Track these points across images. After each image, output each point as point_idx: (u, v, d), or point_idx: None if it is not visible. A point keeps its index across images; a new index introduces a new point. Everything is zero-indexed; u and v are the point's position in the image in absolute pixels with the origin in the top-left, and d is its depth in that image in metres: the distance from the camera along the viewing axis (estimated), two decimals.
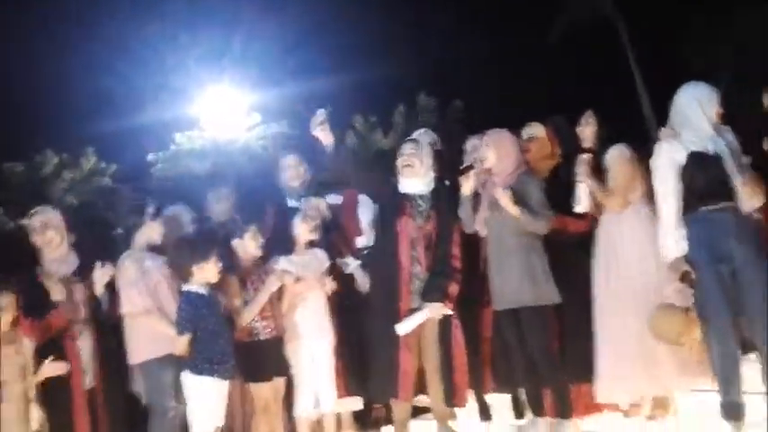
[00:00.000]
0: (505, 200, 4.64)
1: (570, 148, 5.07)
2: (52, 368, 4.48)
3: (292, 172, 5.39)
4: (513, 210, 4.63)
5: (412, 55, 15.96)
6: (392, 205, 4.94)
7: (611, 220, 4.79)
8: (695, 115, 4.43)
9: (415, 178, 4.95)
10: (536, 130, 5.10)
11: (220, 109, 16.65)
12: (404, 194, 4.96)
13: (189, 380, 4.32)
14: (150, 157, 16.42)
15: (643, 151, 4.86)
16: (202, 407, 4.30)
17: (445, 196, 5.01)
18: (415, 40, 16.42)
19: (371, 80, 14.79)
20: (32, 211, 4.96)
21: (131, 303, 4.73)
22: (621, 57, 16.73)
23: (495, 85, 15.28)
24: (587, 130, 4.97)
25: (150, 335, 4.71)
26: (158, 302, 4.72)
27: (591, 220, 4.90)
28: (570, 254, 4.84)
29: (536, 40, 16.13)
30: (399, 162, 4.97)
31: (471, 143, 5.39)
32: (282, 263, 4.85)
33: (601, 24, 16.79)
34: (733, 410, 4.30)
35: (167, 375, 4.60)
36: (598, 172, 4.80)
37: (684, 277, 4.33)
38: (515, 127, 5.12)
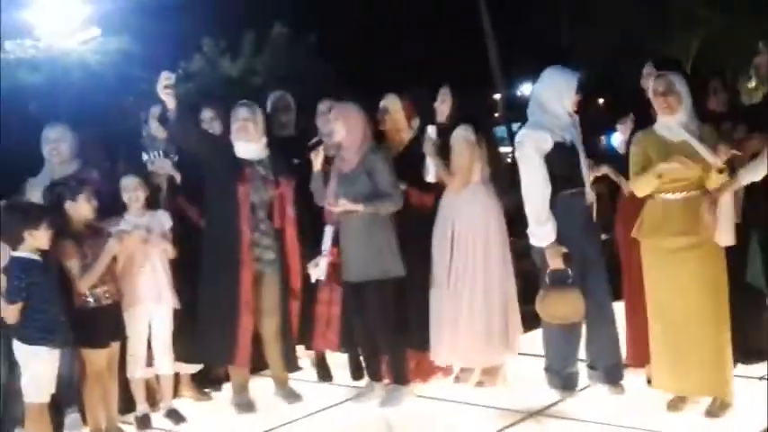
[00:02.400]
0: (347, 206, 4.67)
1: (428, 121, 5.14)
2: None
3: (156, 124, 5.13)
4: (359, 208, 4.67)
5: None
6: (230, 170, 4.86)
7: (451, 198, 4.93)
8: (554, 104, 4.60)
9: (252, 143, 4.90)
10: (390, 102, 5.11)
11: (56, 18, 15.56)
12: (242, 160, 4.89)
13: (21, 350, 4.15)
14: None
15: (487, 133, 5.04)
16: (37, 376, 4.15)
17: (284, 162, 5.03)
18: None
19: (225, 1, 14.17)
20: None
21: None
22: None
23: (357, 25, 15.02)
24: (443, 106, 5.01)
25: None
26: None
27: (436, 192, 5.03)
28: (413, 226, 4.94)
29: None
30: (234, 126, 4.89)
31: (324, 105, 5.38)
32: (121, 224, 4.71)
33: None
34: (570, 381, 4.71)
35: None
36: (448, 148, 4.89)
37: (566, 258, 4.52)
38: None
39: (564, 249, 4.51)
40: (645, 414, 4.33)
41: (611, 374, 4.69)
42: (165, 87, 4.62)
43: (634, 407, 4.47)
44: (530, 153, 4.56)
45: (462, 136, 4.88)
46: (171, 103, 4.65)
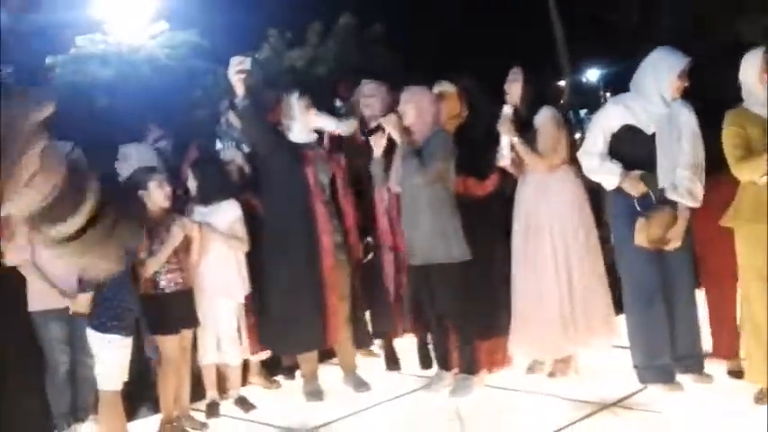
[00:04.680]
0: (391, 125, 4.67)
1: (479, 108, 5.02)
2: None
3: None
4: (397, 136, 4.65)
5: None
6: (295, 155, 4.85)
7: (534, 183, 4.80)
8: (646, 83, 4.37)
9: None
10: (445, 88, 4.98)
11: (125, 13, 15.82)
12: (301, 144, 4.90)
13: (94, 338, 4.19)
14: (49, 60, 15.54)
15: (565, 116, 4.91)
16: (110, 364, 4.18)
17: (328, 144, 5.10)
18: None
19: None
20: None
21: (9, 255, 4.55)
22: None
23: (422, 16, 14.88)
24: (513, 87, 4.86)
25: (33, 287, 4.59)
26: (36, 256, 4.52)
27: (498, 178, 4.91)
28: (479, 211, 4.83)
29: None
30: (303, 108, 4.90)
31: (368, 87, 5.30)
32: (195, 214, 4.75)
33: None
34: (665, 373, 4.44)
35: (53, 330, 4.56)
36: (519, 129, 4.77)
37: (645, 181, 4.32)
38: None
39: (637, 173, 4.32)
40: (725, 406, 4.17)
41: (694, 365, 4.51)
42: (238, 72, 4.59)
43: (714, 398, 4.31)
44: (595, 125, 4.51)
45: (549, 116, 4.75)
46: (240, 89, 4.63)
